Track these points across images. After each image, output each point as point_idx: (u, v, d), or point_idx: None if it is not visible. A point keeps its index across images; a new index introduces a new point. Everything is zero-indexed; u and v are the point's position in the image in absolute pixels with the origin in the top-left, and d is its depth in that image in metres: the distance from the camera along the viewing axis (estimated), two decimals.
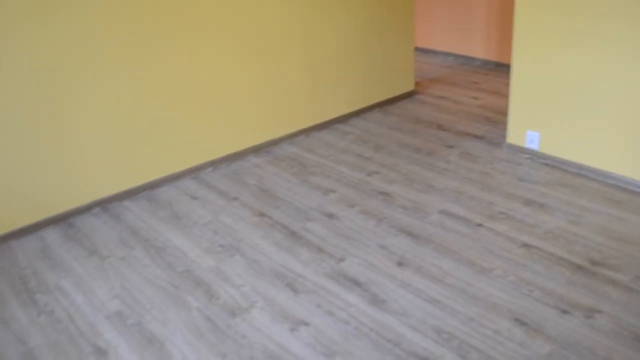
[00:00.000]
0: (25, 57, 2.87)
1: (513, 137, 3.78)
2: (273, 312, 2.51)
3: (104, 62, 3.13)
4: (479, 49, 5.87)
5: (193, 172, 3.76)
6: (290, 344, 2.32)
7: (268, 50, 3.83)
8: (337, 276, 2.71)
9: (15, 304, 2.66)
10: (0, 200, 3.04)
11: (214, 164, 3.84)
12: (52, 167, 3.15)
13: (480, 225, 3.02)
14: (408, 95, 4.99)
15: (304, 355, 2.26)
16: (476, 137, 4.12)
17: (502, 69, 5.70)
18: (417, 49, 6.44)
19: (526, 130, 3.68)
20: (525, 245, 2.83)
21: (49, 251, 3.04)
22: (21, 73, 2.88)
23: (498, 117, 4.45)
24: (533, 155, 3.70)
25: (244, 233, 3.09)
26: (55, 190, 3.22)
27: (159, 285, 2.72)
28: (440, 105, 4.81)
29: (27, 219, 3.17)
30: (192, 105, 3.58)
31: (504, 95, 4.94)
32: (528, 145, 3.71)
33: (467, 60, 6.04)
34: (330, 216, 3.20)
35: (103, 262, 2.92)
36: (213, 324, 2.46)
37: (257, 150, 4.05)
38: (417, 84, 5.32)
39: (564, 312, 2.38)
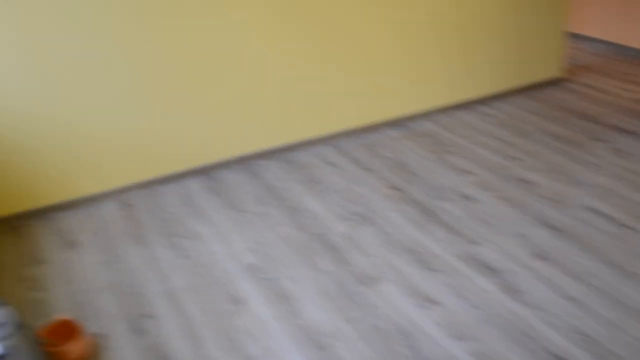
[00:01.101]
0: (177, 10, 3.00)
1: None
2: (403, 286, 2.49)
3: (263, 22, 3.21)
4: (636, 38, 5.45)
5: (330, 139, 3.79)
6: (419, 320, 2.30)
7: (409, 23, 3.75)
8: (470, 260, 2.64)
9: (158, 245, 2.83)
10: (149, 148, 3.23)
11: (351, 133, 3.85)
12: (199, 121, 3.29)
13: (628, 226, 2.82)
14: (555, 82, 4.73)
15: (433, 334, 2.23)
16: (628, 132, 3.84)
17: None
18: (567, 34, 6.08)
19: None
20: None
21: (190, 200, 3.20)
22: (172, 22, 3.02)
23: None
24: None
25: (377, 204, 3.09)
26: (200, 144, 3.37)
27: (291, 245, 2.79)
28: (590, 95, 4.52)
29: (172, 167, 3.35)
30: (336, 74, 3.60)
31: None
32: None
33: (621, 50, 5.63)
34: (467, 198, 3.12)
35: (240, 215, 3.03)
36: (342, 289, 2.49)
37: (393, 123, 4.02)
38: (565, 70, 5.04)
39: None
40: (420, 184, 3.27)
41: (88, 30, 2.82)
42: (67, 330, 2.21)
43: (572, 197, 3.09)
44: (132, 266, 2.70)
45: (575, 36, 6.09)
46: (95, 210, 3.16)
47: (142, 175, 3.30)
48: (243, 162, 3.55)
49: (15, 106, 2.83)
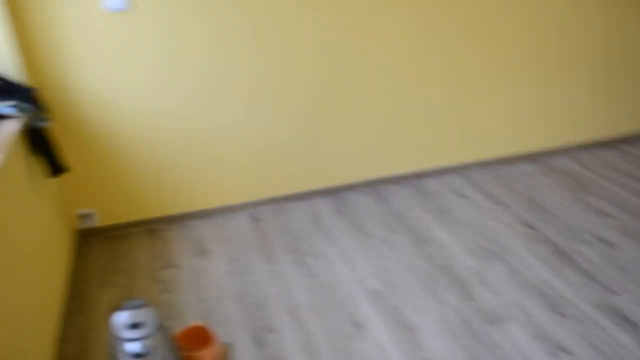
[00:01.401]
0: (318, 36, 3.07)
1: None
2: (531, 329, 2.37)
3: (404, 47, 3.22)
4: None
5: (461, 169, 3.71)
6: None
7: (556, 54, 3.60)
8: (606, 309, 2.46)
9: (284, 261, 2.89)
10: (280, 165, 3.32)
11: (483, 164, 3.75)
12: (329, 141, 3.34)
13: None
14: None
15: None
16: None
17: None
18: None
19: None
20: None
21: (318, 219, 3.24)
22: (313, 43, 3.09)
23: None
24: None
25: (509, 241, 2.97)
26: (329, 164, 3.41)
27: (416, 274, 2.74)
28: None
29: (301, 185, 3.42)
30: (471, 104, 3.53)
31: None
32: None
33: None
34: (606, 243, 2.92)
35: (366, 239, 3.03)
36: (466, 325, 2.40)
37: (529, 157, 3.86)
38: None
39: None
40: (556, 223, 3.11)
41: (224, 47, 2.96)
42: (201, 336, 2.29)
43: None
44: (258, 279, 2.77)
45: None
46: (227, 221, 3.29)
47: (272, 191, 3.40)
48: (372, 185, 3.56)
49: (159, 121, 3.01)
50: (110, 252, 3.09)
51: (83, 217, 3.18)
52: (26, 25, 2.68)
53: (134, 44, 2.82)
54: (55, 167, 2.65)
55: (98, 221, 3.21)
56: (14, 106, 2.41)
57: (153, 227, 3.27)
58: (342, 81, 3.20)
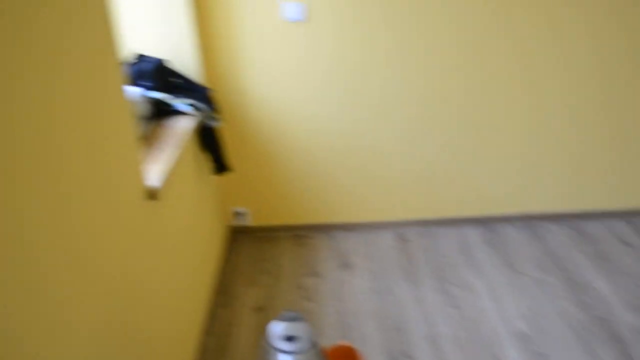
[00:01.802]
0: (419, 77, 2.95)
1: None
2: None
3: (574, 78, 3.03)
4: None
5: (627, 215, 3.42)
6: None
7: None
8: None
9: (428, 287, 2.81)
10: (431, 188, 3.24)
11: None
12: (483, 170, 3.21)
13: None
14: None
15: None
16: None
17: None
18: None
19: None
20: None
21: (466, 248, 3.13)
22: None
23: None
24: None
25: None
26: (482, 193, 3.28)
27: (569, 323, 2.55)
28: None
29: (451, 211, 3.32)
30: (633, 140, 3.24)
31: None
32: None
33: None
34: None
35: (516, 276, 2.87)
36: None
37: None
38: None
39: None
40: None
41: (392, 65, 2.93)
42: (349, 357, 2.27)
43: None
44: (400, 301, 2.72)
45: None
46: (372, 237, 3.27)
47: (421, 213, 3.33)
48: (526, 220, 3.38)
49: (320, 131, 3.06)
50: (258, 251, 3.18)
51: (237, 215, 3.31)
52: (209, 31, 2.84)
53: (306, 54, 2.89)
54: (221, 165, 2.78)
55: (250, 220, 3.33)
56: (191, 104, 2.56)
57: (300, 234, 3.33)
58: (502, 109, 3.06)
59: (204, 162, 2.81)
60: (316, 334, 2.52)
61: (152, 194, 1.87)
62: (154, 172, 1.97)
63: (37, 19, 1.20)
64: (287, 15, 2.79)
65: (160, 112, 2.53)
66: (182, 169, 2.40)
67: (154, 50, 2.75)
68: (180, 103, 2.54)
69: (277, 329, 1.76)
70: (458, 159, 3.18)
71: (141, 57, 2.64)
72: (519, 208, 3.35)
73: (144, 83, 2.56)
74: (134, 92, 2.32)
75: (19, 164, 1.10)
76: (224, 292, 2.86)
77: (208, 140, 2.69)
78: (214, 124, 2.65)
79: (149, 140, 2.29)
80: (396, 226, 3.35)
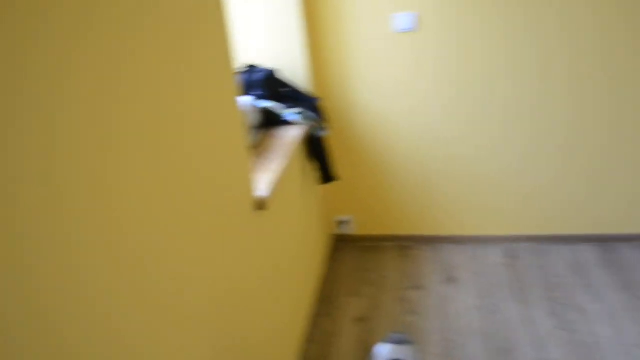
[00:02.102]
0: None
1: None
2: None
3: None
4: None
5: None
6: None
7: None
8: None
9: (538, 307, 2.68)
10: (542, 204, 3.08)
11: None
12: (600, 186, 3.01)
13: None
14: None
15: None
16: None
17: None
18: None
19: None
20: None
21: (580, 268, 2.95)
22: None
23: None
24: None
25: None
26: (599, 210, 3.08)
27: None
28: None
29: (564, 228, 3.14)
30: None
31: None
32: None
33: None
34: None
35: (638, 302, 2.67)
36: None
37: None
38: None
39: None
40: None
41: (504, 76, 2.82)
42: None
43: None
44: (507, 321, 2.61)
45: None
46: (480, 252, 3.16)
47: (531, 228, 3.18)
48: None
49: (427, 141, 3.00)
50: (361, 261, 3.17)
51: (341, 223, 3.31)
52: (319, 42, 2.86)
53: (415, 63, 2.84)
54: (327, 175, 2.79)
55: (353, 229, 3.32)
56: (300, 113, 2.58)
57: (404, 245, 3.28)
58: (624, 124, 2.86)
59: (311, 171, 2.83)
60: (420, 353, 2.46)
61: (260, 204, 1.90)
62: (263, 181, 2.00)
63: (162, 25, 1.24)
64: (396, 26, 2.76)
65: (270, 121, 2.58)
66: (289, 179, 2.43)
67: (264, 60, 2.80)
68: (289, 112, 2.58)
69: (383, 350, 1.73)
70: (574, 174, 3.01)
71: (252, 68, 2.70)
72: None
73: (254, 92, 2.62)
74: (245, 101, 2.37)
75: (152, 165, 1.14)
76: (326, 301, 2.86)
77: (316, 149, 2.71)
78: (321, 133, 2.66)
79: (257, 149, 2.33)
80: (505, 241, 3.22)
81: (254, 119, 2.39)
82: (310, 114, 2.62)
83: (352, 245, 3.34)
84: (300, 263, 2.58)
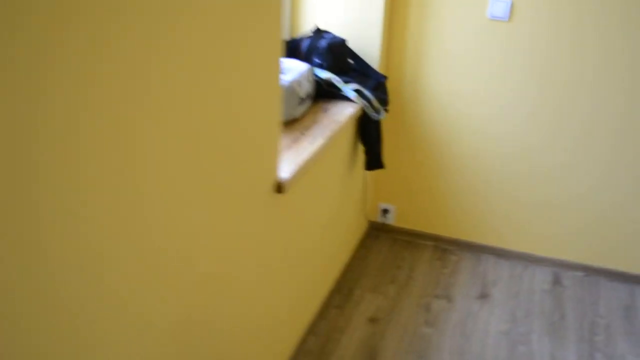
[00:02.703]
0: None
1: None
2: None
3: None
4: None
5: None
6: None
7: None
8: None
9: (573, 347, 2.45)
10: (598, 231, 2.81)
11: None
12: None
13: None
14: None
15: None
16: None
17: None
18: None
19: None
20: None
21: (634, 313, 2.69)
22: None
23: None
24: None
25: None
26: None
27: None
28: None
29: (621, 263, 2.86)
30: None
31: None
32: None
33: None
34: None
35: None
36: None
37: None
38: None
39: None
40: None
41: (592, 83, 2.54)
42: None
43: None
44: (532, 355, 2.40)
45: None
46: (523, 271, 2.93)
47: (584, 256, 2.91)
48: None
49: (488, 140, 2.76)
50: (392, 255, 3.00)
51: (382, 211, 3.13)
52: (399, 18, 2.65)
53: (499, 56, 2.60)
54: (374, 161, 2.60)
55: (393, 220, 3.14)
56: (357, 91, 2.40)
57: (443, 247, 3.08)
58: None
59: (358, 154, 2.66)
60: (421, 358, 2.30)
61: (279, 187, 1.74)
62: (291, 162, 1.83)
63: None
64: (492, 12, 2.51)
65: (325, 93, 2.40)
66: (327, 159, 2.26)
67: (334, 27, 2.62)
68: (348, 88, 2.39)
69: None
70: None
71: (318, 33, 2.52)
72: None
73: (316, 60, 2.45)
74: (300, 68, 2.20)
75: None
76: (343, 292, 2.71)
77: (368, 132, 2.53)
78: (377, 116, 2.47)
79: (302, 122, 2.17)
80: (552, 264, 2.97)
81: (307, 88, 2.21)
82: (369, 93, 2.42)
83: (389, 236, 3.16)
84: (324, 249, 2.44)
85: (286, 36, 2.66)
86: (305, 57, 2.46)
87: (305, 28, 2.67)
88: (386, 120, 2.86)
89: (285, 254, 1.96)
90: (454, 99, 2.74)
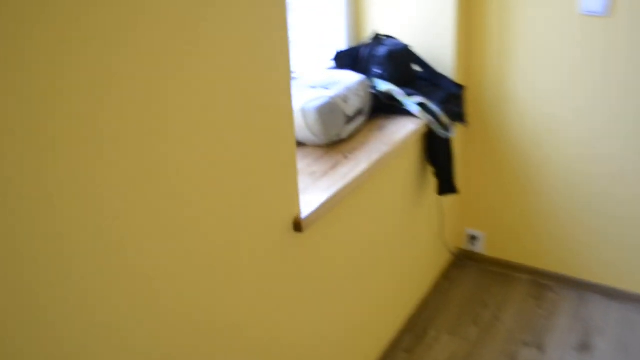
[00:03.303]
0: None
1: None
2: None
3: None
4: None
5: None
6: None
7: None
8: None
9: None
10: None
11: None
12: None
13: None
14: None
15: None
16: None
17: None
18: None
19: None
20: None
21: None
22: None
23: None
24: None
25: None
26: None
27: None
28: None
29: None
30: None
31: None
32: None
33: None
34: None
35: None
36: None
37: None
38: None
39: None
40: None
41: None
42: None
43: None
44: None
45: None
46: (637, 316, 2.42)
47: None
48: None
49: (589, 157, 2.29)
50: (479, 289, 2.60)
51: (470, 238, 2.74)
52: (476, 14, 2.28)
53: (596, 59, 2.15)
54: (445, 185, 2.24)
55: (482, 248, 2.74)
56: (421, 104, 2.07)
57: (541, 282, 2.64)
58: None
59: (428, 177, 2.31)
60: None
61: (297, 225, 1.46)
62: (316, 196, 1.55)
63: None
64: (585, 6, 2.09)
65: (386, 107, 2.10)
66: (380, 184, 1.96)
67: (402, 33, 2.31)
68: (410, 101, 2.07)
69: None
70: None
71: (378, 38, 2.22)
72: None
73: (375, 70, 2.15)
74: (350, 80, 1.92)
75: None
76: (415, 333, 2.37)
77: (436, 152, 2.18)
78: (446, 134, 2.12)
79: (350, 142, 1.88)
80: None
81: (357, 104, 1.92)
82: (436, 107, 2.08)
83: (477, 267, 2.76)
84: (385, 285, 2.12)
85: (346, 45, 2.39)
86: (363, 68, 2.18)
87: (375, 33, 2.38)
88: (467, 135, 2.50)
89: (322, 294, 1.68)
90: (547, 111, 2.31)
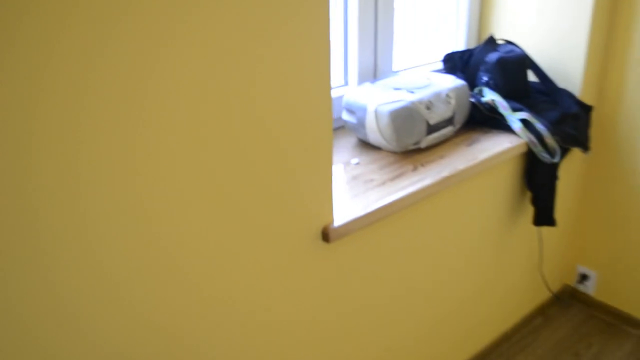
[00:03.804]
0: None
1: None
2: None
3: None
4: None
5: None
6: None
7: None
8: None
9: None
10: None
11: None
12: None
13: None
14: None
15: None
16: None
17: None
18: None
19: None
20: None
21: None
22: None
23: None
24: None
25: None
26: None
27: None
28: None
29: None
30: None
31: None
32: None
33: None
34: None
35: None
36: None
37: None
38: None
39: None
40: None
41: None
42: None
43: None
44: None
45: None
46: None
47: None
48: None
49: None
50: (577, 335, 2.31)
51: (581, 276, 2.44)
52: (620, 21, 1.99)
53: None
54: (542, 215, 1.99)
55: (592, 289, 2.43)
56: (523, 121, 1.84)
57: (613, 322, 2.29)
58: None
59: (524, 201, 2.07)
60: None
61: (325, 234, 1.36)
62: (374, 202, 1.43)
63: None
64: None
65: (486, 119, 1.90)
66: (464, 202, 1.78)
67: (527, 39, 2.08)
68: (514, 116, 1.86)
69: None
70: None
71: (493, 43, 2.01)
72: None
73: (483, 77, 1.96)
74: (442, 85, 1.76)
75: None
76: None
77: (535, 177, 1.94)
78: (549, 158, 1.86)
79: (429, 154, 1.73)
80: None
81: (445, 112, 1.75)
82: (542, 126, 1.83)
83: (582, 309, 2.45)
84: (457, 314, 1.95)
85: (464, 46, 2.20)
86: (472, 74, 1.99)
87: (498, 37, 2.16)
88: (591, 161, 2.20)
89: (350, 318, 1.58)
90: None
